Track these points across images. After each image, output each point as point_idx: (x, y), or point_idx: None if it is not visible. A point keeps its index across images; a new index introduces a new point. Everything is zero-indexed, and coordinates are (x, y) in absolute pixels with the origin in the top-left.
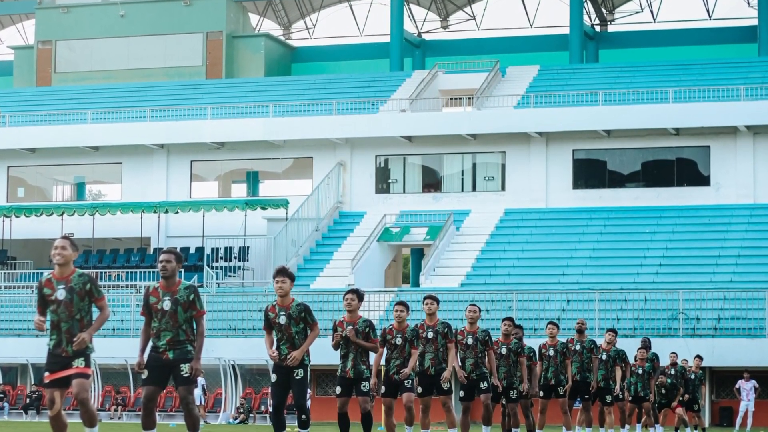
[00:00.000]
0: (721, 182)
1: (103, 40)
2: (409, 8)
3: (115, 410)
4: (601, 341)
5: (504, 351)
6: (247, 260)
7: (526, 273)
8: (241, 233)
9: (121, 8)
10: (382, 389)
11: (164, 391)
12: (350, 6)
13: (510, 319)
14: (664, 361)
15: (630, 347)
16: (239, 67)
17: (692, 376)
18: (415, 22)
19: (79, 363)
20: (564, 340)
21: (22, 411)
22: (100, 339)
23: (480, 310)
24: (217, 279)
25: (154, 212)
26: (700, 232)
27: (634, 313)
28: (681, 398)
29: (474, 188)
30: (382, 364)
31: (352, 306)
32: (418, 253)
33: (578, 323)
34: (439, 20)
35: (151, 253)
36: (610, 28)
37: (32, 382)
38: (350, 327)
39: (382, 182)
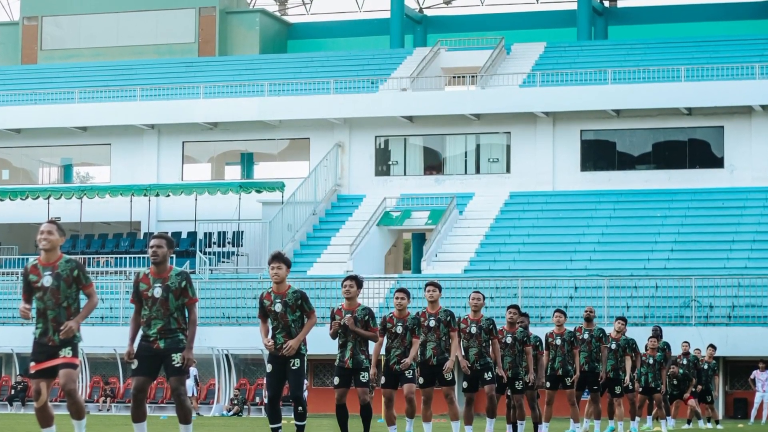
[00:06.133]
0: (735, 164)
1: (91, 16)
2: None
3: (104, 401)
4: (610, 330)
5: (509, 340)
6: (242, 245)
7: (532, 259)
8: (235, 217)
9: None
10: (382, 380)
11: (155, 381)
12: None
13: (515, 306)
14: (676, 351)
15: (640, 336)
16: (233, 44)
17: (705, 366)
18: None
19: (66, 352)
20: (572, 328)
21: (6, 402)
22: (88, 327)
23: (484, 298)
24: (210, 265)
25: (145, 195)
26: (714, 216)
27: (645, 301)
28: (693, 389)
29: (478, 170)
30: (382, 354)
31: (350, 293)
32: (420, 238)
33: (586, 311)
34: None
35: (141, 237)
36: (620, 3)
37: (17, 373)
38: (349, 315)
39: (382, 164)
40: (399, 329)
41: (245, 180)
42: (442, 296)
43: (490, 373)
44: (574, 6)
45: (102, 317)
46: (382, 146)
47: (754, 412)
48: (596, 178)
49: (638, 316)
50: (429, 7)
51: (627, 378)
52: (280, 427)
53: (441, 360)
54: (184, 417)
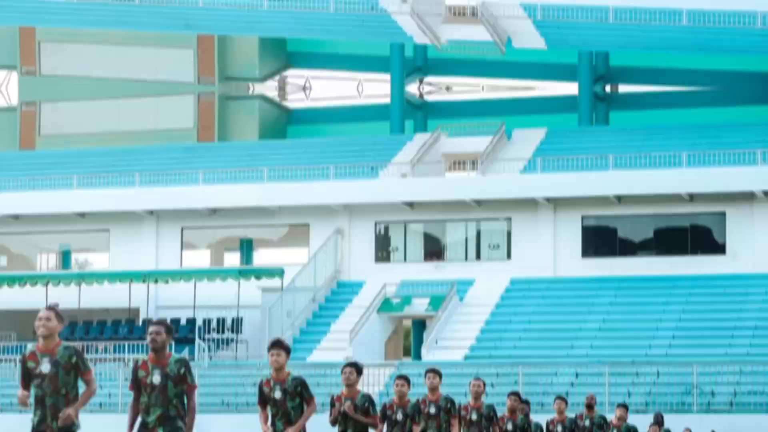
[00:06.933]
0: (737, 250)
1: (90, 102)
2: None
3: None
4: (611, 417)
5: (510, 427)
6: (241, 332)
7: (533, 345)
8: (234, 304)
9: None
10: None
11: None
12: None
13: (516, 393)
14: None
15: (642, 423)
16: (232, 130)
17: None
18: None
19: None
20: (573, 415)
21: None
22: (87, 415)
23: (485, 384)
24: (209, 352)
25: (143, 282)
26: (716, 302)
27: (647, 387)
28: None
29: (478, 256)
30: None
31: (350, 380)
32: (420, 324)
33: (588, 398)
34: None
35: (140, 324)
36: (621, 89)
37: None
38: (348, 402)
39: (382, 250)
40: (399, 416)
41: (244, 266)
42: (442, 383)
43: None
44: (575, 91)
45: (101, 404)
46: (383, 232)
47: None
48: (597, 264)
49: (640, 403)
50: (429, 93)
51: None
52: None
53: None
54: None
